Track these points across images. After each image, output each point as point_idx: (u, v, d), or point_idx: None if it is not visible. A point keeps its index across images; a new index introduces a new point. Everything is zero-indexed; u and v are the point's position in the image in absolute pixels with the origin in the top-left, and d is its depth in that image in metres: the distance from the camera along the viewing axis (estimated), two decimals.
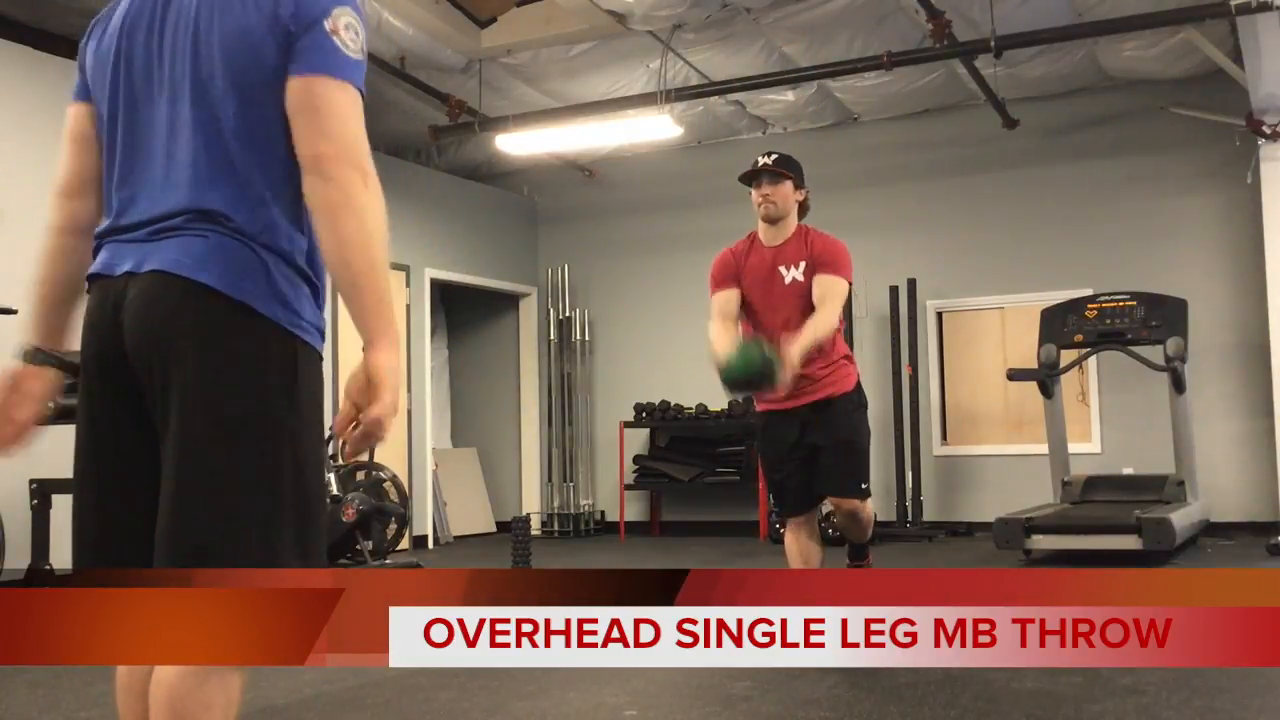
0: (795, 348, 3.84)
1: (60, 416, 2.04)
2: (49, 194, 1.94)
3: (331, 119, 1.71)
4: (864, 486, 4.20)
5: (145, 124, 1.80)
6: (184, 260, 1.70)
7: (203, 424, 1.70)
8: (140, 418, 1.76)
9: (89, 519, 1.83)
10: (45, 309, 1.90)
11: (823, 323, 3.97)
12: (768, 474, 4.35)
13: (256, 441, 1.71)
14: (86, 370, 1.82)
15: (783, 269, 4.15)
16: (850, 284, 4.16)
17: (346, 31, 1.76)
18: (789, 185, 4.17)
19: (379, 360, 1.69)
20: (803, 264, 4.10)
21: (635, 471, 10.15)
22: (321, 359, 1.83)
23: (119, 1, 1.90)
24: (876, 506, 9.04)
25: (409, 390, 9.41)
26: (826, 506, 4.44)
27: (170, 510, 1.71)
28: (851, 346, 9.00)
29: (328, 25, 1.74)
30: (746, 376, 3.75)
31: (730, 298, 4.19)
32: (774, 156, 4.20)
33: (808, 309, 4.10)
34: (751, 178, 4.21)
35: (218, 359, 1.70)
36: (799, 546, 4.24)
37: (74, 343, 1.91)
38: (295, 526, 1.74)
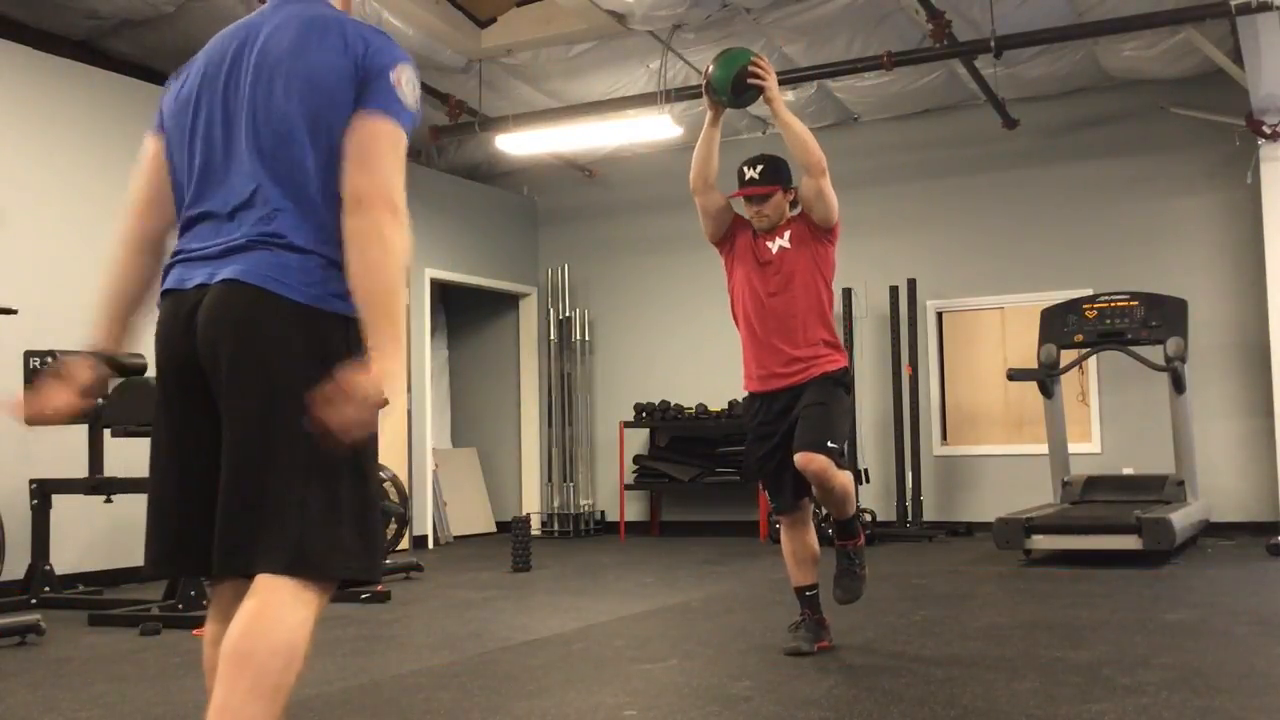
0: (784, 108, 4.10)
1: None
2: (124, 210, 2.15)
3: (376, 159, 1.93)
4: (830, 445, 4.05)
5: (220, 158, 2.00)
6: (253, 270, 1.91)
7: (275, 415, 1.87)
8: (211, 415, 1.93)
9: (168, 512, 2.00)
10: (108, 317, 2.12)
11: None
12: (757, 466, 4.32)
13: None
14: (162, 375, 2.01)
15: (769, 243, 4.25)
16: (836, 225, 4.23)
17: (407, 84, 1.99)
18: (778, 195, 4.27)
19: (382, 366, 1.88)
20: (788, 233, 4.22)
21: (635, 471, 10.15)
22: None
23: (206, 48, 2.13)
24: (876, 505, 9.10)
25: (409, 390, 9.41)
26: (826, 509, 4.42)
27: (234, 487, 1.87)
28: (851, 347, 9.14)
29: (393, 76, 1.97)
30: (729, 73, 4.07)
31: (721, 199, 4.33)
32: (759, 168, 4.24)
33: (795, 280, 4.16)
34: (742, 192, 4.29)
35: (284, 354, 1.90)
36: (793, 545, 4.29)
37: (131, 346, 2.17)
38: (355, 506, 1.92)
